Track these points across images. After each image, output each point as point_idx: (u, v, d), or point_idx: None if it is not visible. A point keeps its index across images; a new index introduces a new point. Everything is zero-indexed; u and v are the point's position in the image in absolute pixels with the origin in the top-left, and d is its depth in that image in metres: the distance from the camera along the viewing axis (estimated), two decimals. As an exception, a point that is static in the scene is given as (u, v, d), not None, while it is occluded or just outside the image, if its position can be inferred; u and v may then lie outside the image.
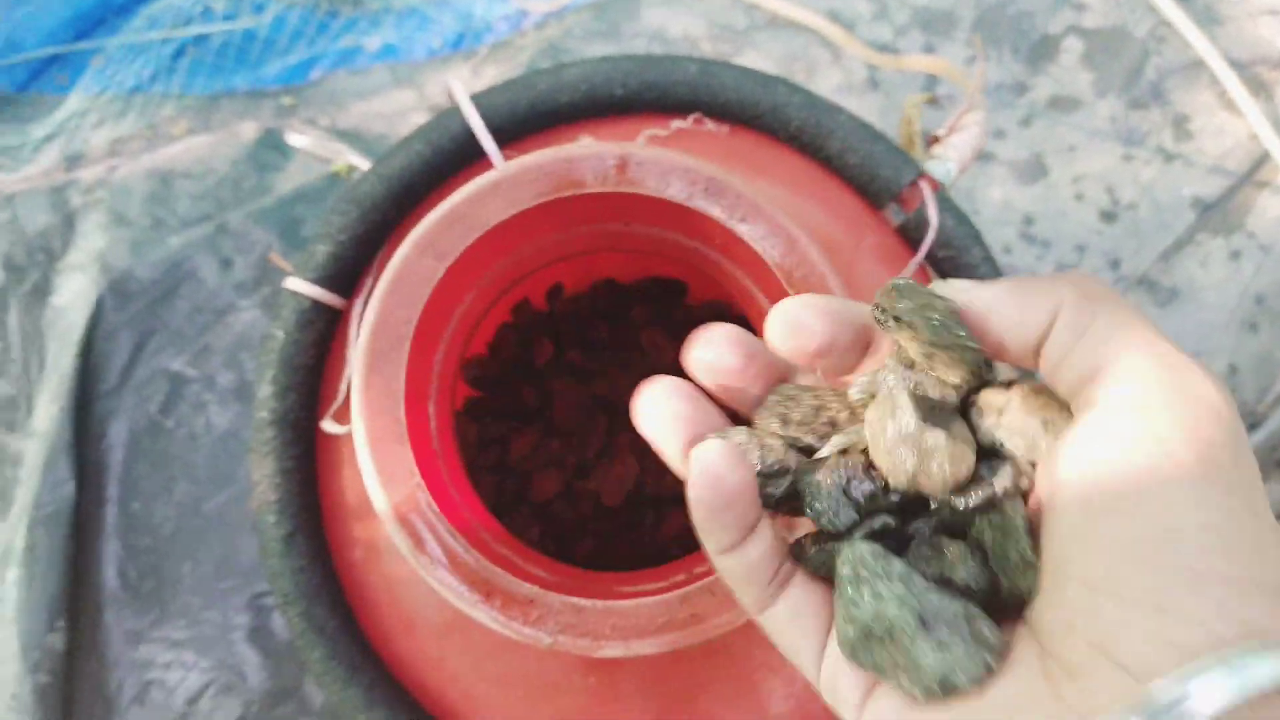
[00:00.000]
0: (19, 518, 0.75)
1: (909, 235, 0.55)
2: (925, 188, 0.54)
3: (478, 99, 0.55)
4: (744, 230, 0.41)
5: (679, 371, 0.70)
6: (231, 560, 0.76)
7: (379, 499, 0.39)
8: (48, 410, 0.77)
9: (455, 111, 0.55)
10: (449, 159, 0.54)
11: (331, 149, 0.94)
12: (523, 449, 0.72)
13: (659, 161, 0.42)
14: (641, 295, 0.79)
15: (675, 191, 0.42)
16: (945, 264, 0.54)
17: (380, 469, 0.40)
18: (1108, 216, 0.82)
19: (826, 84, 0.86)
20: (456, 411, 0.73)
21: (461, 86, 0.54)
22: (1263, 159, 0.84)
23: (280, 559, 0.51)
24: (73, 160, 0.99)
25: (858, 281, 0.54)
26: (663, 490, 0.71)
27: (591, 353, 0.77)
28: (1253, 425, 0.83)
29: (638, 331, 0.77)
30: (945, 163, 0.56)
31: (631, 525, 0.69)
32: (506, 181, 0.42)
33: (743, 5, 0.92)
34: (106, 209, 0.85)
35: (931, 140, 0.58)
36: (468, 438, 0.71)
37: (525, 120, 0.55)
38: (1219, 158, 0.84)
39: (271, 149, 0.93)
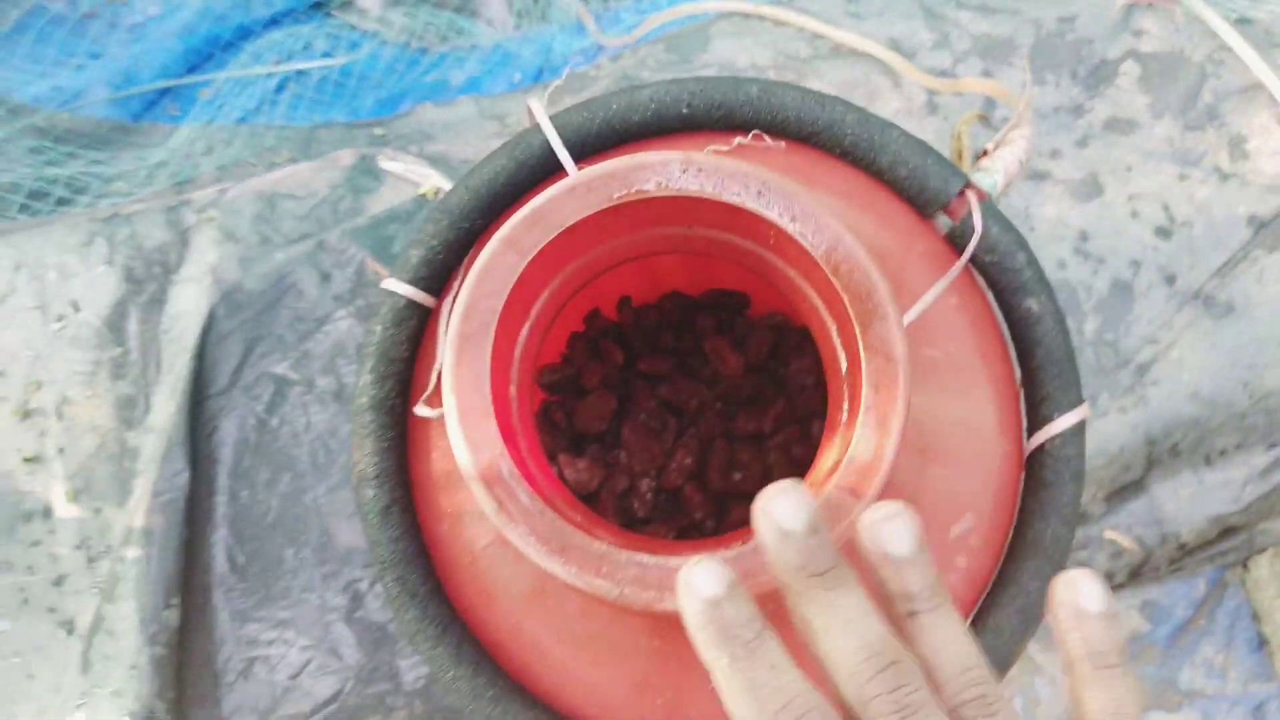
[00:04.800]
0: (138, 503, 0.82)
1: (956, 243, 0.58)
2: (971, 197, 0.58)
3: (555, 118, 0.60)
4: (793, 228, 0.46)
5: (740, 377, 0.75)
6: (329, 546, 0.83)
7: (466, 464, 0.45)
8: (164, 408, 0.85)
9: (536, 129, 0.60)
10: (530, 172, 0.60)
11: (420, 173, 1.01)
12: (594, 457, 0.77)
13: (718, 167, 0.47)
14: (706, 306, 0.84)
15: (732, 194, 0.47)
16: (991, 268, 0.58)
17: (468, 438, 0.45)
18: (1163, 233, 0.84)
19: (886, 108, 0.90)
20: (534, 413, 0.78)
21: (540, 107, 0.60)
22: (1321, 177, 0.85)
23: (378, 529, 0.56)
24: (185, 184, 1.08)
25: (909, 284, 0.57)
26: (729, 487, 0.75)
27: (659, 360, 0.81)
28: (1313, 439, 0.84)
29: (702, 340, 0.82)
30: (991, 175, 0.59)
31: (692, 519, 0.74)
32: (581, 186, 0.47)
33: (807, 36, 0.97)
34: (218, 226, 0.92)
35: (980, 155, 0.62)
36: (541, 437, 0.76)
37: (599, 136, 0.60)
38: (1275, 177, 0.85)
39: (366, 174, 1.00)
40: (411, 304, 0.59)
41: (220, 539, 0.82)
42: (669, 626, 0.55)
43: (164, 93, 1.34)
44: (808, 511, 0.31)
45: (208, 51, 1.39)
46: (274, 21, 1.45)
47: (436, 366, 0.58)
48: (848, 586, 0.31)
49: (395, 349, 0.58)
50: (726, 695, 0.30)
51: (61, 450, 0.85)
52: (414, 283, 0.59)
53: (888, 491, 0.53)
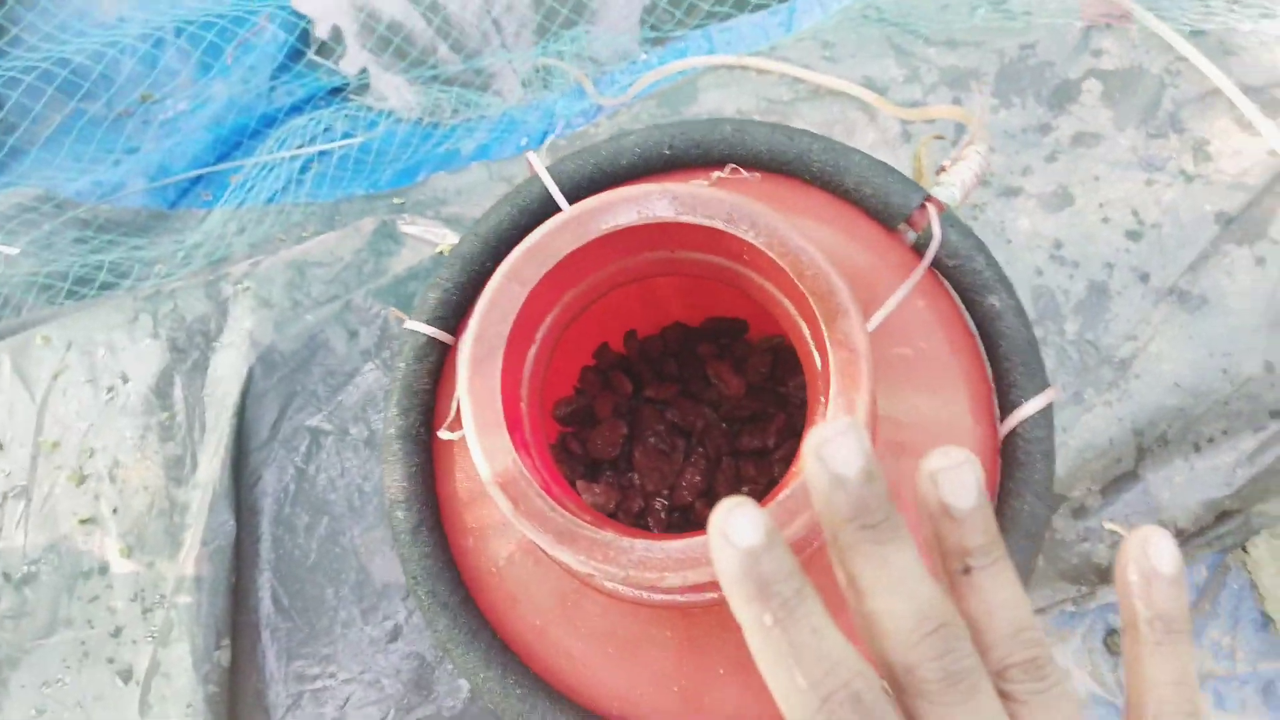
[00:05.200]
0: (188, 554, 0.88)
1: (921, 251, 0.64)
2: (931, 209, 0.63)
3: (552, 167, 0.67)
4: (761, 243, 0.52)
5: (742, 398, 0.80)
6: (367, 584, 0.88)
7: (484, 470, 0.50)
8: (210, 465, 0.91)
9: (535, 179, 0.67)
10: (531, 217, 0.66)
11: (437, 234, 1.09)
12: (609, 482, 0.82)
13: (693, 195, 0.53)
14: (706, 334, 0.89)
15: (705, 218, 0.53)
16: (954, 271, 0.63)
17: (484, 447, 0.50)
18: (1134, 235, 0.89)
19: (864, 141, 0.97)
20: (550, 444, 0.84)
21: (538, 159, 0.67)
22: (1282, 173, 0.90)
23: (409, 546, 0.62)
24: (220, 262, 1.16)
25: (881, 291, 0.63)
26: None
27: (664, 386, 0.87)
28: (1298, 421, 0.88)
29: (704, 365, 0.87)
30: (949, 188, 0.65)
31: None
32: (573, 220, 0.53)
33: (788, 81, 1.04)
34: (253, 295, 1.00)
35: (939, 171, 0.67)
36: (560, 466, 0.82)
37: (592, 180, 0.66)
38: (1238, 175, 0.90)
39: (387, 238, 1.08)
40: (431, 341, 0.65)
41: (265, 582, 0.88)
42: (682, 618, 0.60)
43: (197, 180, 1.43)
44: (865, 456, 0.27)
45: (235, 140, 1.49)
46: (295, 109, 1.55)
47: (456, 396, 0.64)
48: (901, 541, 0.28)
49: (418, 382, 0.64)
50: (763, 659, 0.28)
51: (115, 510, 0.92)
52: (432, 322, 0.65)
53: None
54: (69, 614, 0.89)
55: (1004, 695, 0.27)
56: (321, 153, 1.48)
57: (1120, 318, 0.87)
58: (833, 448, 0.27)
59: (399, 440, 0.63)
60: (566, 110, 1.43)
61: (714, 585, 0.56)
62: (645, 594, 0.58)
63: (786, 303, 0.56)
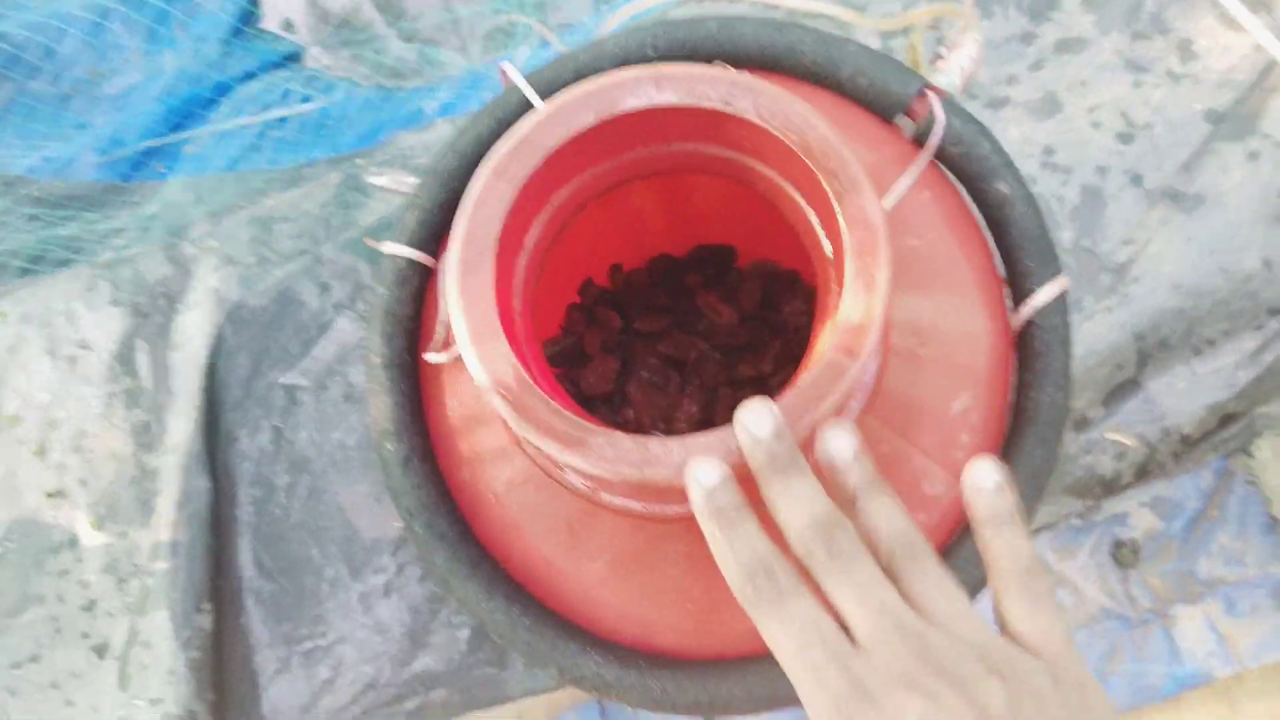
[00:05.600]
0: (162, 520, 0.84)
1: (922, 141, 0.61)
2: (931, 96, 0.60)
3: (529, 76, 0.63)
4: (763, 121, 0.48)
5: (734, 328, 0.77)
6: (354, 540, 0.84)
7: (481, 377, 0.47)
8: (181, 428, 0.87)
9: (514, 89, 0.63)
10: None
11: (405, 182, 1.05)
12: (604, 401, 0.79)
13: (688, 74, 0.50)
14: (693, 264, 0.86)
15: (703, 97, 0.49)
16: (958, 159, 0.60)
17: (481, 355, 0.47)
18: (1125, 138, 0.87)
19: (844, 59, 0.94)
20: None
21: (514, 68, 0.63)
22: (1269, 67, 0.88)
23: (401, 479, 0.58)
24: (180, 232, 1.11)
25: (883, 185, 0.60)
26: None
27: (655, 318, 0.84)
28: (1298, 317, 0.87)
29: (694, 296, 0.84)
30: (948, 74, 0.62)
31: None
32: (563, 108, 0.50)
33: (760, 8, 1.00)
34: (216, 254, 0.95)
35: (935, 59, 0.65)
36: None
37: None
38: (1226, 72, 0.89)
39: (354, 189, 1.04)
40: (412, 264, 0.61)
41: (246, 545, 0.84)
42: (691, 532, 0.57)
43: (150, 152, 1.37)
44: (772, 422, 0.41)
45: (188, 110, 1.43)
46: (250, 76, 1.49)
47: (442, 318, 0.60)
48: (803, 475, 0.40)
49: (400, 307, 0.61)
50: (716, 554, 0.40)
51: (83, 481, 0.87)
52: (412, 244, 0.61)
53: (885, 374, 0.56)
54: (39, 590, 0.85)
55: (890, 574, 0.38)
56: (280, 119, 1.42)
57: (1116, 221, 0.85)
58: (749, 417, 0.41)
59: (384, 369, 0.60)
60: (534, 60, 1.38)
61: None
62: (656, 507, 0.55)
63: (793, 190, 0.53)
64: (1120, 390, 0.88)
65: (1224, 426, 0.88)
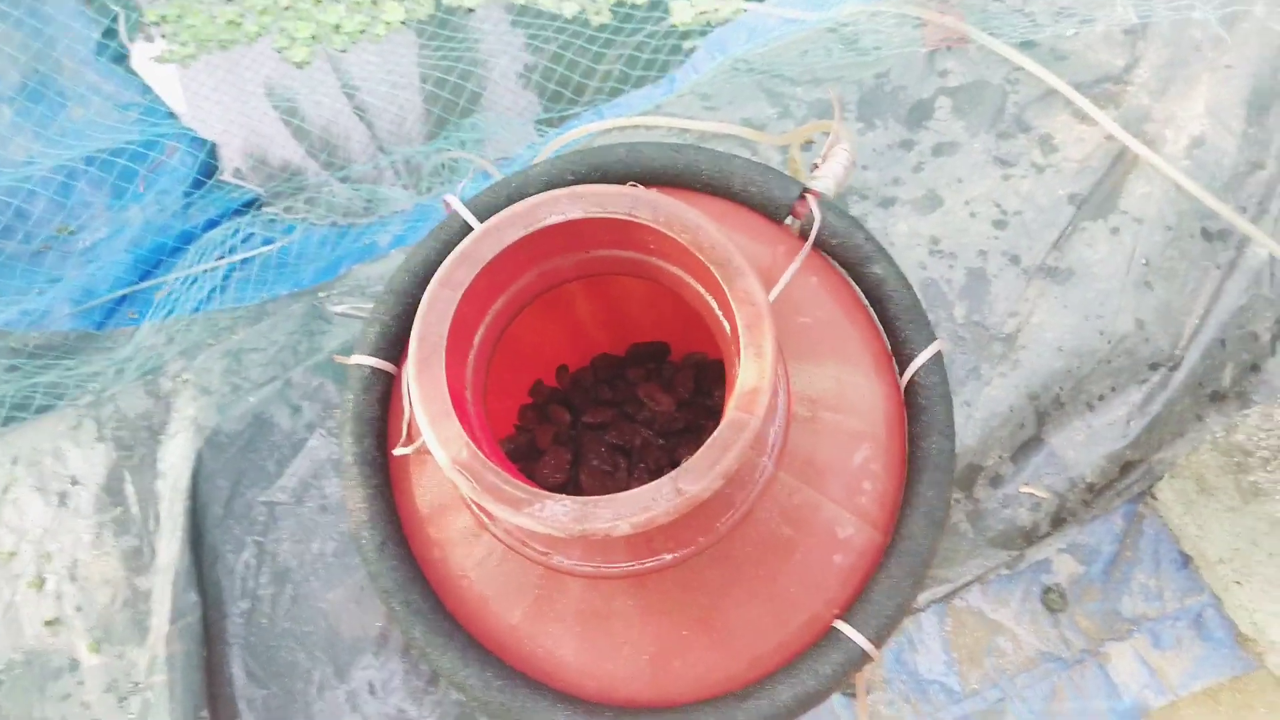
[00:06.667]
0: (157, 636, 0.89)
1: (806, 235, 0.72)
2: (810, 199, 0.71)
3: (469, 203, 0.73)
4: (662, 226, 0.59)
5: (673, 414, 0.85)
6: (337, 642, 0.90)
7: (440, 455, 0.55)
8: (169, 548, 0.93)
9: (455, 216, 0.73)
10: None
11: (363, 309, 1.14)
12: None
13: (596, 192, 0.60)
14: (633, 359, 0.96)
15: (613, 210, 0.60)
16: (838, 249, 0.71)
17: (438, 435, 0.55)
18: (1000, 224, 0.99)
19: (752, 172, 1.06)
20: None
21: (456, 197, 0.74)
22: (1121, 152, 1.02)
23: (378, 562, 0.66)
24: (152, 373, 1.19)
25: (777, 275, 0.70)
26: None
27: (601, 411, 0.92)
28: (1173, 367, 0.97)
29: (635, 388, 0.93)
30: (824, 180, 0.73)
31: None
32: (494, 228, 0.60)
33: (675, 132, 1.13)
34: (193, 385, 1.03)
35: (812, 167, 0.76)
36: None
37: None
38: (1083, 160, 1.01)
39: (317, 318, 1.13)
40: (376, 371, 0.70)
41: (237, 654, 0.90)
42: (641, 587, 0.64)
43: (121, 300, 1.46)
44: None
45: (156, 259, 1.53)
46: (212, 223, 1.60)
47: (406, 417, 0.68)
48: None
49: (368, 410, 0.69)
50: None
51: (79, 608, 0.93)
52: (375, 353, 0.70)
53: (790, 434, 0.64)
54: (43, 715, 0.89)
55: None
56: (244, 260, 1.52)
57: (1000, 297, 0.96)
58: None
59: (356, 465, 0.68)
60: (474, 192, 1.50)
61: (669, 546, 0.61)
62: (605, 565, 0.62)
63: (693, 281, 0.63)
64: (1026, 447, 0.97)
65: (1125, 474, 0.97)
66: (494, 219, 0.60)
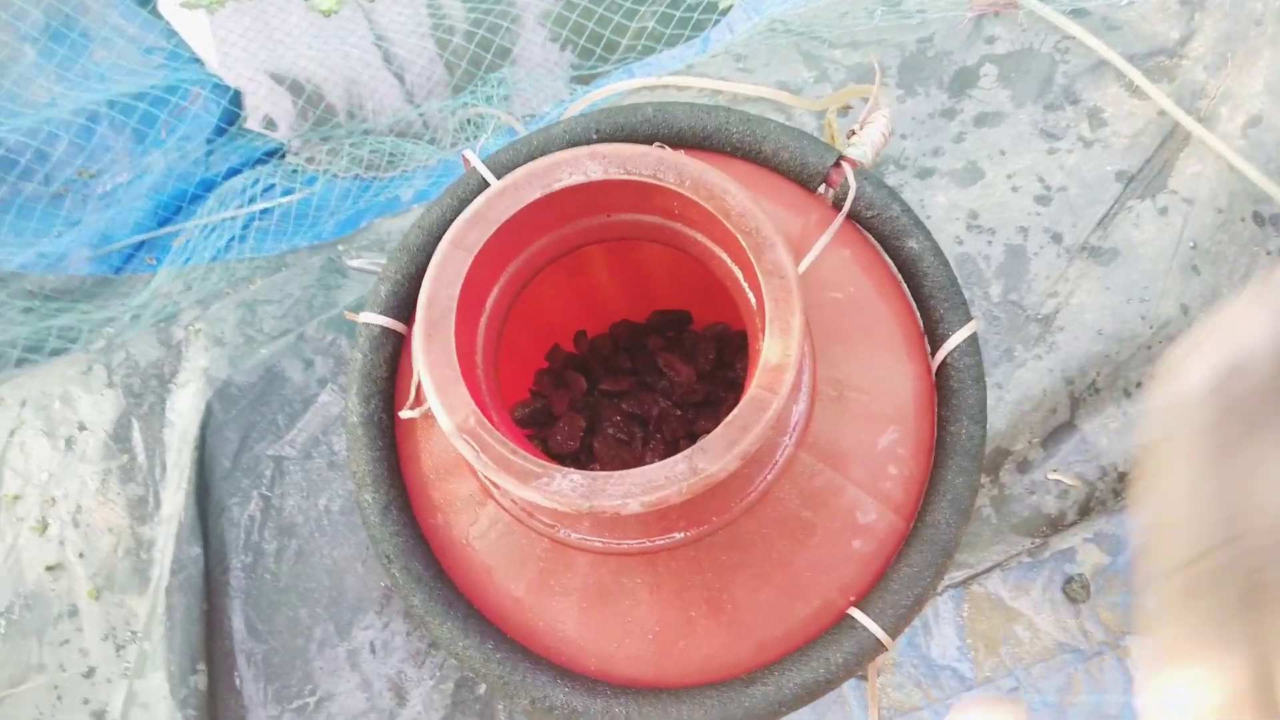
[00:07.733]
0: (157, 586, 0.88)
1: (840, 206, 0.68)
2: (846, 166, 0.68)
3: (488, 160, 0.70)
4: (688, 191, 0.55)
5: (693, 385, 0.83)
6: (341, 600, 0.89)
7: (445, 422, 0.52)
8: (174, 500, 0.92)
9: (474, 173, 0.70)
10: (472, 208, 0.70)
11: (380, 264, 1.11)
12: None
13: (620, 152, 0.57)
14: (653, 328, 0.93)
15: (635, 173, 0.56)
16: (873, 221, 0.67)
17: (444, 402, 0.53)
18: (1042, 200, 0.95)
19: (785, 137, 1.02)
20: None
21: (475, 154, 0.70)
22: (1173, 129, 0.97)
23: (380, 527, 0.64)
24: (169, 319, 1.17)
25: (807, 246, 0.67)
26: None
27: (619, 379, 0.90)
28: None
29: (655, 358, 0.90)
30: (860, 147, 0.70)
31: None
32: (510, 187, 0.57)
33: (707, 94, 1.09)
34: (205, 335, 1.01)
35: (849, 134, 0.72)
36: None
37: (526, 168, 0.70)
38: (1133, 136, 0.97)
39: (334, 272, 1.10)
40: (386, 331, 0.67)
41: (238, 608, 0.88)
42: (650, 565, 0.62)
43: (140, 246, 1.45)
44: None
45: (176, 205, 1.51)
46: (234, 171, 1.57)
47: (414, 379, 0.66)
48: None
49: (376, 370, 0.67)
50: None
51: (81, 554, 0.92)
52: (385, 312, 0.67)
53: (814, 413, 0.61)
54: (40, 659, 0.89)
55: None
56: (264, 210, 1.50)
57: (1039, 277, 0.93)
58: None
59: (362, 426, 0.65)
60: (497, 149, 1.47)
61: (681, 525, 0.59)
62: (614, 541, 0.60)
63: (719, 250, 0.60)
64: (1057, 433, 0.94)
65: (1156, 462, 0.94)
66: (510, 177, 0.57)
